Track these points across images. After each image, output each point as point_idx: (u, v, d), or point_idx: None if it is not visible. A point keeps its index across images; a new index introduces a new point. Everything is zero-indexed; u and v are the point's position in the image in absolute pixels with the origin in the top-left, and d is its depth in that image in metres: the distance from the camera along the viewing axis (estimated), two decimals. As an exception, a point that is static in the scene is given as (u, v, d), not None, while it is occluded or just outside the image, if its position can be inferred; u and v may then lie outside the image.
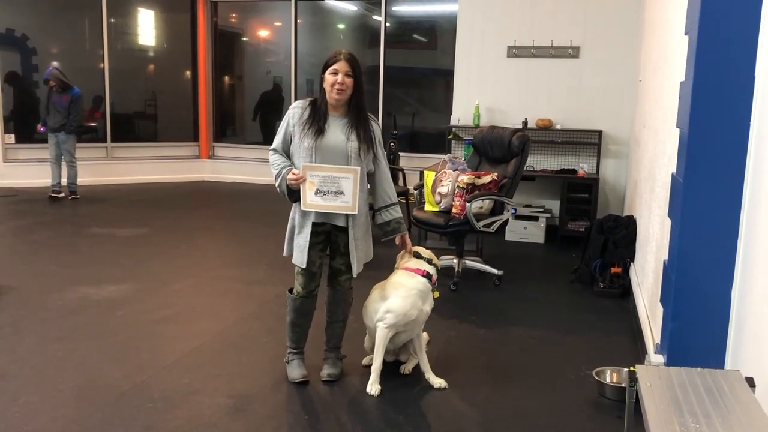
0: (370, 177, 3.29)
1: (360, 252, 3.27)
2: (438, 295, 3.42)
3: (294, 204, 3.24)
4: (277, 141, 3.24)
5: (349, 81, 3.12)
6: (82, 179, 9.41)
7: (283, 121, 3.24)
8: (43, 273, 5.06)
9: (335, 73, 3.10)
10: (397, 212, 3.32)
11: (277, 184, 3.20)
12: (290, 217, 3.29)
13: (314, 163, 3.12)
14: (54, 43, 9.47)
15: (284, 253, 3.32)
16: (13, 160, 9.07)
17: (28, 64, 9.22)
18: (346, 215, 3.20)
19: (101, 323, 4.04)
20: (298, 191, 3.14)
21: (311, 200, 3.12)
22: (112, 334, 3.87)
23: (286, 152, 3.23)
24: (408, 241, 3.37)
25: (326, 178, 3.10)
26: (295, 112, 3.21)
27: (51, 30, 9.44)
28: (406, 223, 3.37)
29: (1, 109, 8.89)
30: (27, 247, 5.86)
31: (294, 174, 3.09)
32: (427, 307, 3.30)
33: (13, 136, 9.08)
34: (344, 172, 3.11)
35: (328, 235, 3.27)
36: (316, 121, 3.14)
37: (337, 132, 3.16)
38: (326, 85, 3.13)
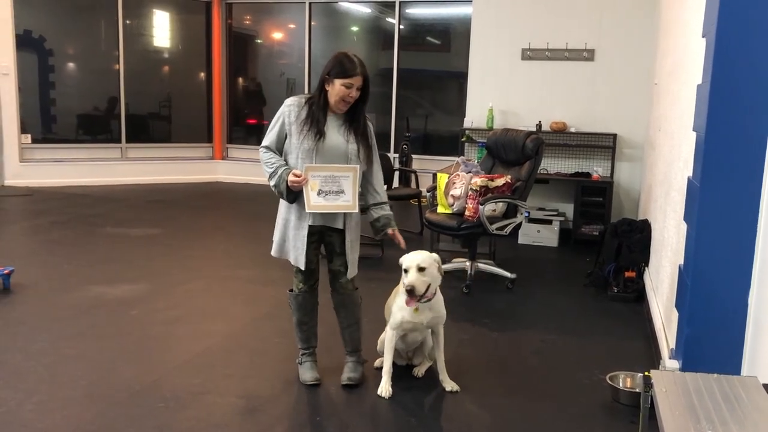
0: (363, 176, 3.25)
1: (355, 254, 3.27)
2: (417, 312, 3.20)
3: (288, 203, 3.19)
4: (270, 138, 3.18)
5: (357, 94, 3.10)
6: (98, 179, 9.48)
7: (276, 118, 3.18)
8: (58, 272, 5.10)
9: (349, 86, 3.06)
10: (387, 210, 3.31)
11: (272, 183, 3.14)
12: (280, 216, 3.25)
13: (314, 164, 3.10)
14: (70, 44, 9.55)
15: (273, 253, 3.27)
16: (30, 160, 9.15)
17: (44, 65, 9.30)
18: (343, 217, 3.19)
19: (114, 322, 4.06)
20: (297, 192, 3.11)
21: (315, 202, 3.09)
22: (124, 333, 3.89)
23: (279, 150, 3.19)
24: (398, 235, 3.31)
25: (328, 177, 3.08)
26: (291, 110, 3.15)
27: (67, 31, 9.52)
28: (396, 221, 3.33)
29: (17, 110, 8.97)
30: (42, 246, 5.90)
31: (296, 175, 3.05)
32: (428, 316, 3.24)
33: (29, 136, 9.17)
34: (344, 170, 3.11)
35: (321, 234, 3.25)
36: (315, 122, 3.10)
37: (336, 133, 3.15)
38: (334, 92, 3.08)
